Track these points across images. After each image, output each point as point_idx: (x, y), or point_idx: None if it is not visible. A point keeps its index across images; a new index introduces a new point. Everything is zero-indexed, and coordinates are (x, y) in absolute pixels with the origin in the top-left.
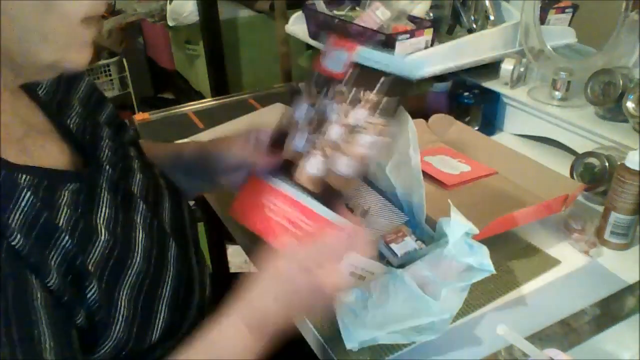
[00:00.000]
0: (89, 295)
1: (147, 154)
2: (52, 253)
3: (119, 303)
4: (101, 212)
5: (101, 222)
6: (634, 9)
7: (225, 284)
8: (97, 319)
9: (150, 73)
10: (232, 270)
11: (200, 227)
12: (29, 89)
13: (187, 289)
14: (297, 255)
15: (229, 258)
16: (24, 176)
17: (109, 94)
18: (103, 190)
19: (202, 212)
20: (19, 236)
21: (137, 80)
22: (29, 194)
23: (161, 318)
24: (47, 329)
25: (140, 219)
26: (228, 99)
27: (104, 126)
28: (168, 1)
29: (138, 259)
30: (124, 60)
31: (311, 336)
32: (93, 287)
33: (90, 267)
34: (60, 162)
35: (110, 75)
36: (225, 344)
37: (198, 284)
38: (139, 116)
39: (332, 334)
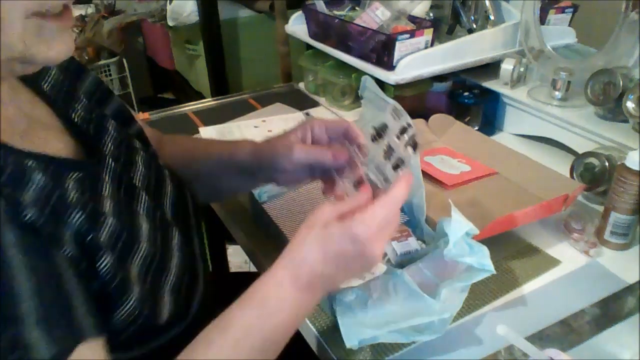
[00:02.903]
0: (101, 267)
1: (191, 150)
2: (66, 227)
3: (132, 280)
4: (105, 201)
5: (106, 209)
6: (634, 9)
7: (225, 284)
8: (109, 289)
9: (150, 73)
10: (232, 270)
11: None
12: (32, 83)
13: (191, 277)
14: (352, 222)
15: (229, 258)
16: (31, 161)
17: None
18: (105, 182)
19: (202, 212)
20: (32, 211)
21: (137, 80)
22: (40, 175)
23: (167, 303)
24: (73, 287)
25: (142, 210)
26: (228, 99)
27: (110, 119)
28: (168, 1)
29: (144, 245)
30: (124, 60)
31: (311, 335)
32: (105, 259)
33: (102, 243)
34: (62, 153)
35: (110, 75)
36: (274, 303)
37: (202, 274)
38: (139, 116)
39: (332, 333)
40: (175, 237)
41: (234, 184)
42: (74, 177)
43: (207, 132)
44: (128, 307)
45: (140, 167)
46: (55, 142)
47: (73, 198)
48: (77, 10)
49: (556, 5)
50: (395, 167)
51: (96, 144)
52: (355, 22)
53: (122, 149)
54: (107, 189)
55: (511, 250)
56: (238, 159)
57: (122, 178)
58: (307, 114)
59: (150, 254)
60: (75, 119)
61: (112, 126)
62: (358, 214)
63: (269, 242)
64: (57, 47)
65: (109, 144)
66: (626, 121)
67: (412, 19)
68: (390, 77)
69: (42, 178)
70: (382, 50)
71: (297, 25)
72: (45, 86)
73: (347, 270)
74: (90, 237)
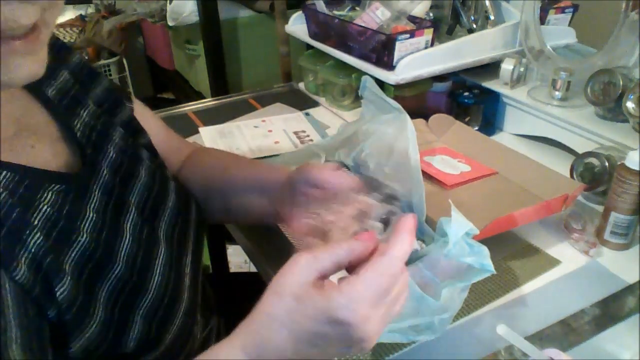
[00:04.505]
0: (59, 293)
1: (220, 161)
2: (22, 249)
3: (96, 305)
4: (86, 215)
5: (84, 225)
6: (634, 9)
7: (225, 284)
8: (67, 317)
9: (150, 73)
10: (232, 270)
11: None
12: (34, 89)
13: (172, 301)
14: (335, 300)
15: (229, 258)
16: (2, 172)
17: None
18: (93, 194)
19: (206, 229)
20: None
21: (137, 80)
22: (4, 193)
23: (136, 329)
24: (15, 319)
25: (129, 226)
26: (228, 99)
27: (117, 127)
28: (168, 1)
29: (120, 265)
30: (124, 60)
31: None
32: (64, 285)
33: (64, 266)
34: (51, 162)
35: (110, 75)
36: None
37: (189, 292)
38: None
39: None
40: (162, 256)
41: (252, 205)
42: (55, 189)
43: (207, 132)
44: (89, 333)
45: (143, 177)
46: (43, 151)
47: (40, 216)
48: (77, 10)
49: (556, 5)
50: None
51: (94, 154)
52: (355, 22)
53: (126, 158)
54: (94, 203)
55: (511, 250)
56: (267, 186)
57: (114, 191)
58: (307, 114)
59: (125, 276)
60: (78, 126)
61: (119, 134)
62: (343, 288)
63: (269, 242)
64: (21, 69)
65: (111, 153)
66: (626, 121)
67: (412, 19)
68: (390, 77)
69: (4, 195)
70: (382, 50)
71: (297, 25)
72: (49, 91)
73: (329, 351)
74: (49, 258)
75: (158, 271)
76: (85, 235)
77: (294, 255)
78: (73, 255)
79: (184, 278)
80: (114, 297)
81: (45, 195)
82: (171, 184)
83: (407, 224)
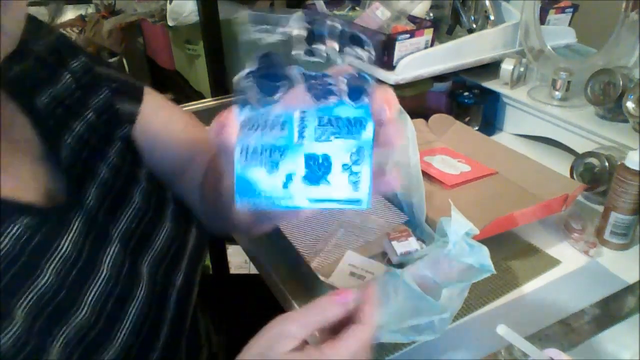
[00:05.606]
0: (3, 340)
1: None
2: None
3: (48, 356)
4: (57, 250)
5: (51, 263)
6: (634, 9)
7: (225, 284)
8: None
9: (150, 73)
10: (232, 270)
11: None
12: (23, 98)
13: (141, 354)
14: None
15: (229, 258)
16: None
17: None
18: (71, 225)
19: (204, 257)
20: None
21: (137, 80)
22: None
23: None
24: None
25: (108, 260)
26: (228, 99)
27: (118, 140)
28: (168, 1)
29: (85, 310)
30: (124, 60)
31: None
32: (9, 333)
33: (15, 311)
34: (26, 189)
35: None
36: None
37: (167, 338)
38: None
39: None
40: (139, 297)
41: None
42: (24, 222)
43: None
44: None
45: (136, 202)
46: (17, 176)
47: None
48: (77, 11)
49: (556, 5)
50: (357, 96)
51: (82, 174)
52: (355, 22)
53: (120, 178)
54: (70, 235)
55: (511, 250)
56: None
57: (97, 219)
58: None
59: (89, 323)
60: (68, 140)
61: (117, 150)
62: (325, 352)
63: (269, 242)
64: None
65: (103, 172)
66: (626, 121)
67: (412, 19)
68: (390, 77)
69: None
70: (382, 50)
71: None
72: (41, 99)
73: None
74: None
75: (130, 318)
76: (48, 275)
77: (273, 325)
78: (29, 297)
79: (165, 321)
80: (71, 347)
81: (10, 228)
82: (169, 208)
83: (370, 295)
